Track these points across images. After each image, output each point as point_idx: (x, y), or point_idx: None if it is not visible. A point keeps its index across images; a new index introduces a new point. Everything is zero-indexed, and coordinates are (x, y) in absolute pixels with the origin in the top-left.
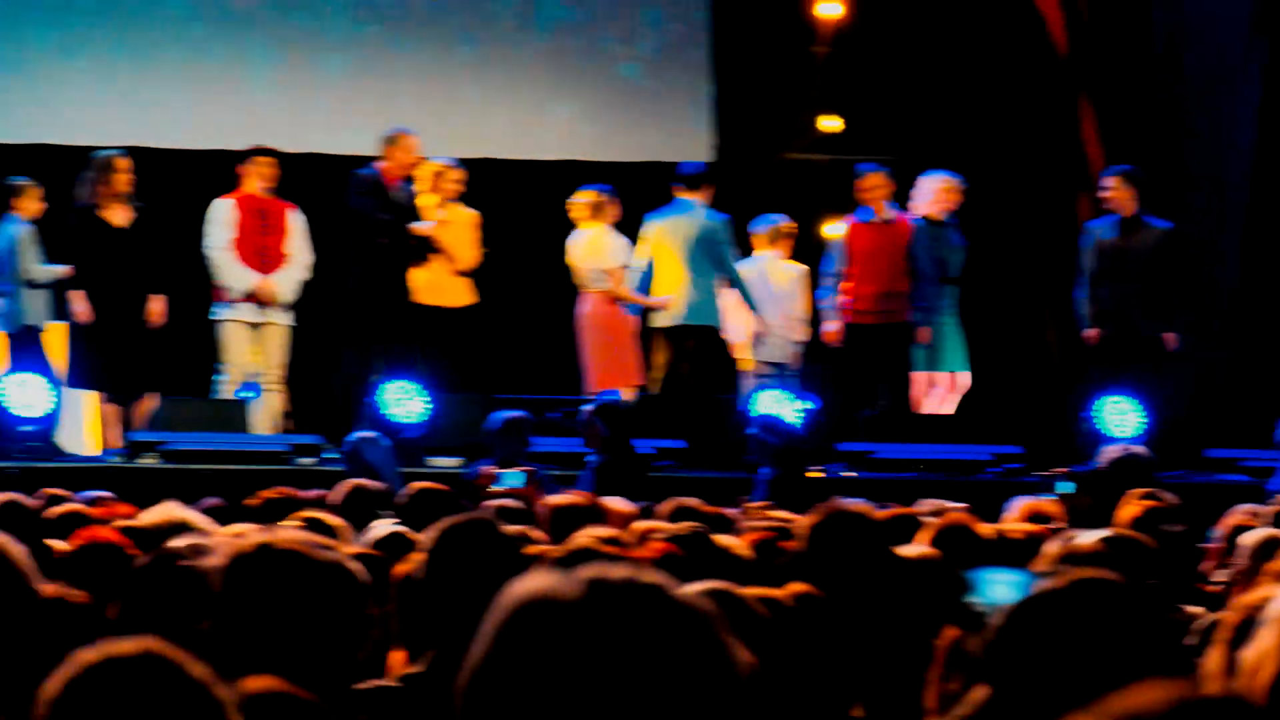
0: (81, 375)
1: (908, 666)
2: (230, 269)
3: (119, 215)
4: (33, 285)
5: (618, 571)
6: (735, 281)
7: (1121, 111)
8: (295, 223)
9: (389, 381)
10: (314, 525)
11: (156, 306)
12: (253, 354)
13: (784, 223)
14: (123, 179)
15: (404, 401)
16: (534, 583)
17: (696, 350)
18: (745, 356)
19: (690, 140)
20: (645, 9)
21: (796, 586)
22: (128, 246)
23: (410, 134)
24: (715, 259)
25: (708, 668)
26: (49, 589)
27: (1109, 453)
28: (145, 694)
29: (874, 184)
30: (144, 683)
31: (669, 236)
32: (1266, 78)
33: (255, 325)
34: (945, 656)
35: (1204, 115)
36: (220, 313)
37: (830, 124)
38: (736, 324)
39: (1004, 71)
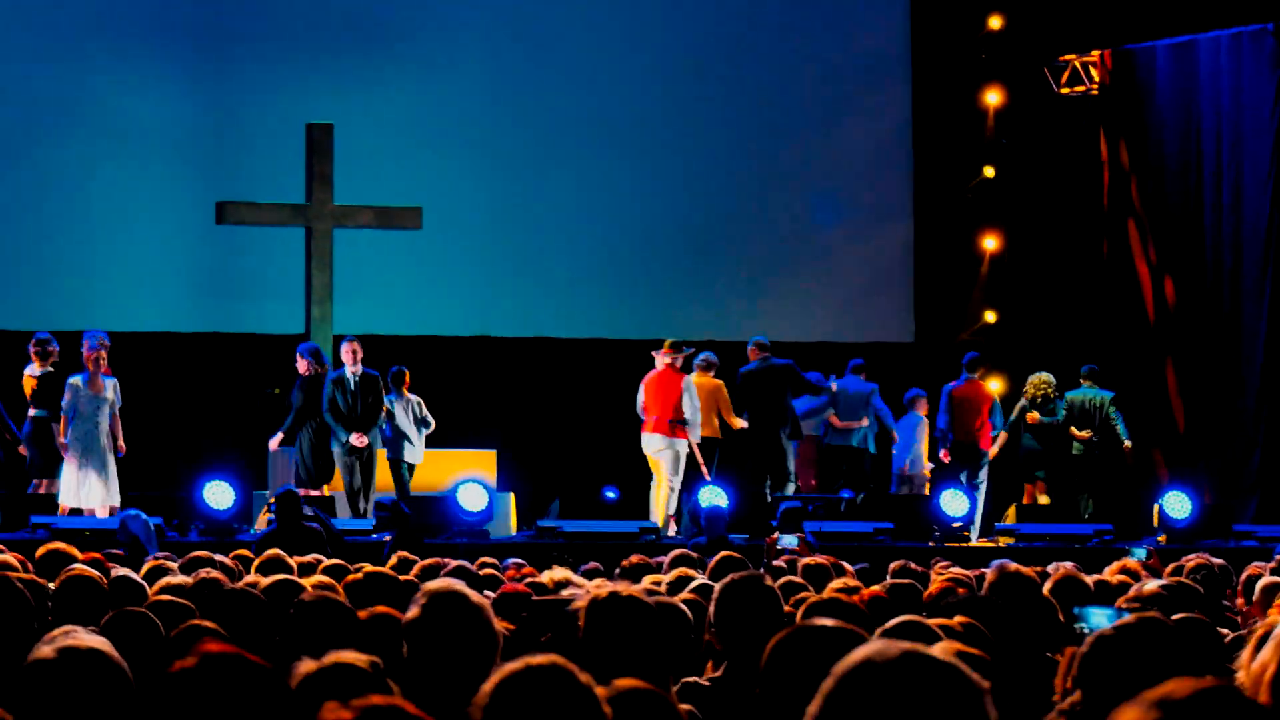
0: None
1: (1040, 670)
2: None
3: None
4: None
5: (897, 646)
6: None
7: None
8: (688, 387)
9: (705, 486)
10: (655, 583)
11: None
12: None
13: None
14: None
15: (714, 498)
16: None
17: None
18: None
19: (897, 327)
20: (861, 253)
21: (961, 618)
22: None
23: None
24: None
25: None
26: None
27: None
28: (549, 691)
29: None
30: (548, 683)
31: (848, 397)
32: None
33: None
34: (1066, 664)
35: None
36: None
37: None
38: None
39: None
